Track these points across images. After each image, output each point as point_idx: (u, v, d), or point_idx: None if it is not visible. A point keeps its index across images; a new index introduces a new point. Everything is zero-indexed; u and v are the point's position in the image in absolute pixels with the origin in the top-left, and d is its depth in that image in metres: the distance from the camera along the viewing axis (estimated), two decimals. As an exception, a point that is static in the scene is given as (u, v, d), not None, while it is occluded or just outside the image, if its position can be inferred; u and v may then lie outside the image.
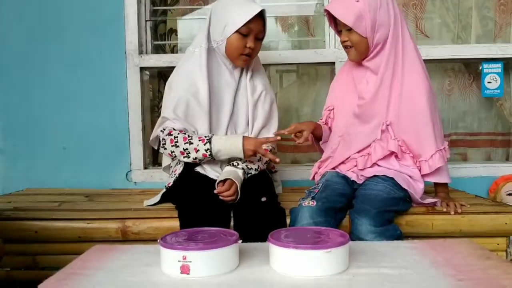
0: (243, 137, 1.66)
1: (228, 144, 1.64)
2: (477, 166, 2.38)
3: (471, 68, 2.48)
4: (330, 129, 1.84)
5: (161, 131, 1.72)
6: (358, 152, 1.70)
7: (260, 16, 1.69)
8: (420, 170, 1.66)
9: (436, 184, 1.75)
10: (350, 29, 1.61)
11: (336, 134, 1.78)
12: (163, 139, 1.70)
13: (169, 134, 1.69)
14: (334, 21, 1.68)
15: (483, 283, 0.96)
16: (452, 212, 1.58)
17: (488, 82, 2.33)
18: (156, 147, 1.85)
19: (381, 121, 1.65)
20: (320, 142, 1.85)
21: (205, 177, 1.70)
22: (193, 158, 1.66)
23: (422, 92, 1.62)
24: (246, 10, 1.66)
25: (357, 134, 1.69)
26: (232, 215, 1.56)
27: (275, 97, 1.98)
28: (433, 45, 2.38)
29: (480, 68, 2.35)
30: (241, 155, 1.64)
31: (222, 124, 1.76)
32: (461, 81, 2.51)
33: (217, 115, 1.75)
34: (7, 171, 2.41)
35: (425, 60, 2.28)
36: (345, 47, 1.68)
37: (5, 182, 2.40)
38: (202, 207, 1.54)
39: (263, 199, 1.56)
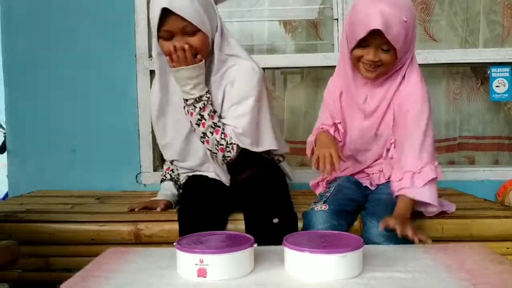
0: None
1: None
2: (485, 170, 2.38)
3: (479, 72, 2.48)
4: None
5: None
6: (368, 167, 1.68)
7: (173, 13, 1.47)
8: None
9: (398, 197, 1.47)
10: (388, 49, 1.45)
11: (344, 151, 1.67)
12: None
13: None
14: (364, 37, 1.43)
15: (497, 288, 0.97)
16: (416, 240, 1.28)
17: (496, 86, 2.34)
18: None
19: (387, 138, 1.59)
20: None
21: (204, 177, 1.71)
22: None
23: (415, 107, 1.51)
24: (152, 9, 1.51)
25: (365, 151, 1.65)
26: (243, 217, 1.57)
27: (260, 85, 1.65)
28: (441, 49, 2.39)
29: (488, 72, 2.36)
30: None
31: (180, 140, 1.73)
32: (469, 85, 2.52)
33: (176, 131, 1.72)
34: (17, 173, 2.43)
35: (433, 64, 2.34)
36: (369, 64, 1.48)
37: (15, 183, 2.42)
38: (198, 210, 1.54)
39: (275, 220, 1.49)
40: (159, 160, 2.45)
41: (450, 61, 2.35)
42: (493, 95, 2.36)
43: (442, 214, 1.64)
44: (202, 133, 1.58)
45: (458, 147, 2.54)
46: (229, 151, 1.60)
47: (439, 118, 2.52)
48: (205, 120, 1.57)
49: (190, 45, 1.52)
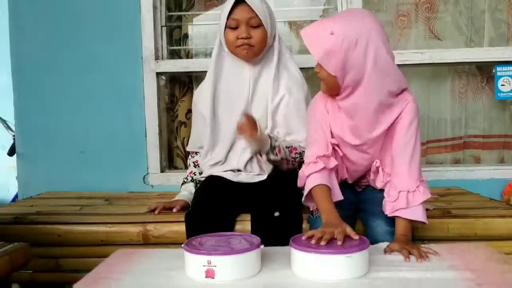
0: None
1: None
2: (490, 169, 2.37)
3: (484, 71, 2.48)
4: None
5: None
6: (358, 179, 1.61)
7: (246, 4, 1.66)
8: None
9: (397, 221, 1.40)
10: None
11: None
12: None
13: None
14: None
15: (502, 287, 0.98)
16: (420, 260, 1.20)
17: (502, 85, 2.34)
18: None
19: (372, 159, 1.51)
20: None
21: (219, 179, 1.74)
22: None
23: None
24: (226, 3, 1.69)
25: (360, 173, 1.57)
26: (250, 219, 1.58)
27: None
28: (446, 48, 2.39)
29: (493, 71, 2.36)
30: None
31: (227, 134, 1.78)
32: (474, 84, 2.51)
33: (225, 125, 1.78)
34: (26, 175, 2.46)
35: (438, 64, 2.34)
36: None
37: (24, 185, 2.45)
38: (204, 212, 1.56)
39: (276, 213, 1.52)
40: (166, 161, 2.47)
41: (455, 60, 2.35)
42: (498, 94, 2.36)
43: (447, 214, 1.66)
44: (292, 157, 1.68)
45: (463, 145, 2.53)
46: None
47: (444, 117, 2.52)
48: (289, 148, 1.67)
49: (251, 36, 1.68)
